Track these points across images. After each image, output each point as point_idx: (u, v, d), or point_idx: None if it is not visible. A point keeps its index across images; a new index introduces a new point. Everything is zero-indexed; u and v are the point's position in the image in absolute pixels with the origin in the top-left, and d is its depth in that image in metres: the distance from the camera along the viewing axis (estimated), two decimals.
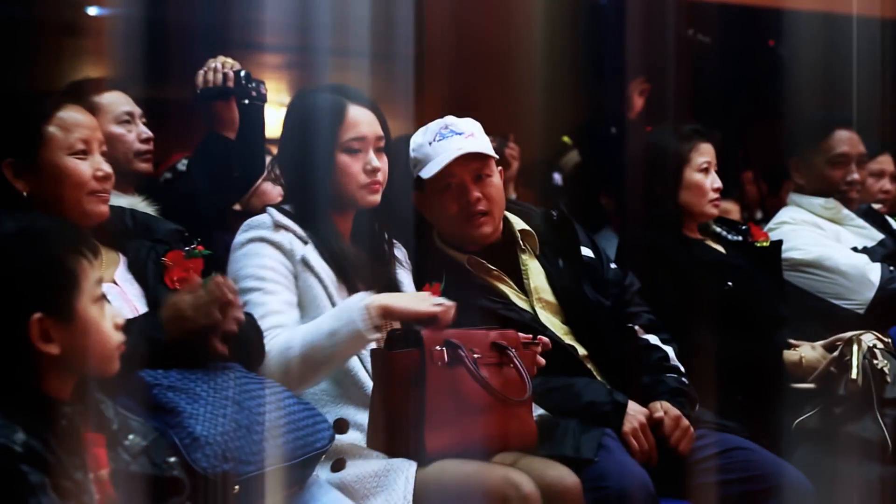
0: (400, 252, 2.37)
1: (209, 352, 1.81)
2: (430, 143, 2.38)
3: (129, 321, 1.69)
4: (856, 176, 3.26)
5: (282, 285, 2.12)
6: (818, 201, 3.27)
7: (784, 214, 3.31)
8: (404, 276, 2.33)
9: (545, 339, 2.17)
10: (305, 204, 2.20)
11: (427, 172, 2.37)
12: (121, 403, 1.62)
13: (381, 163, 2.22)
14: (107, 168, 1.99)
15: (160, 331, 1.79)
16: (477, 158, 2.38)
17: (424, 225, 2.48)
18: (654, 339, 2.51)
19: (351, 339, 2.00)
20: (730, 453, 2.35)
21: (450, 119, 2.43)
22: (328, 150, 2.18)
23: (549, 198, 3.90)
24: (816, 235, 3.18)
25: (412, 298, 2.07)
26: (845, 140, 3.27)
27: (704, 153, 2.91)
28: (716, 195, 2.92)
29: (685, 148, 2.89)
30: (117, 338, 1.54)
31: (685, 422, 2.32)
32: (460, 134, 2.39)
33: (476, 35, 4.60)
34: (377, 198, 2.22)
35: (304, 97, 2.28)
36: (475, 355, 2.00)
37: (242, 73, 2.62)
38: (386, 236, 2.31)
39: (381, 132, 2.24)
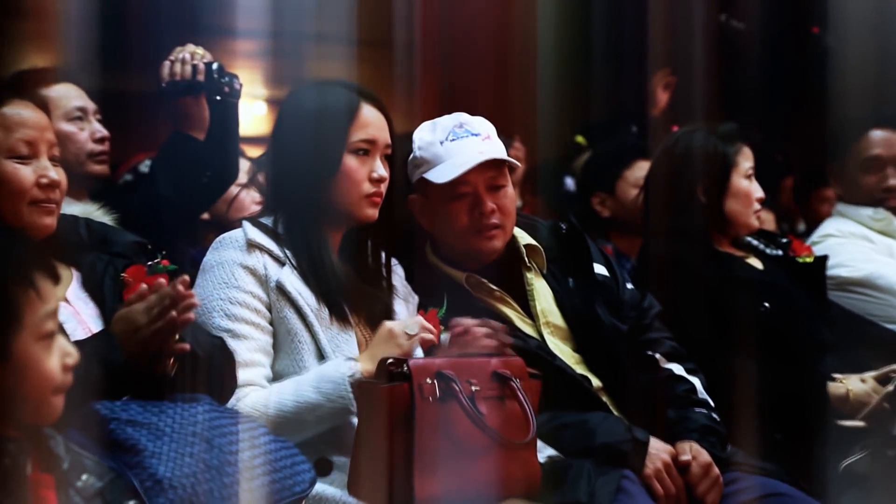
0: (398, 277, 2.37)
1: (169, 360, 1.81)
2: (441, 143, 2.39)
3: (79, 343, 1.69)
4: (893, 182, 3.29)
5: (253, 326, 2.14)
6: (867, 212, 3.30)
7: (829, 226, 3.33)
8: (401, 307, 2.32)
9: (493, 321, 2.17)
10: (294, 214, 2.21)
11: (440, 177, 2.38)
12: (73, 439, 1.62)
13: (386, 172, 2.25)
14: (53, 175, 1.98)
15: (115, 351, 1.79)
16: (493, 166, 2.40)
17: (416, 235, 2.49)
18: (678, 368, 2.53)
19: (336, 414, 2.07)
20: (767, 500, 2.35)
21: (463, 116, 2.43)
22: (336, 149, 2.20)
23: (560, 206, 3.91)
24: (867, 250, 3.21)
25: (396, 341, 2.10)
26: (879, 141, 3.29)
27: (748, 157, 2.95)
28: (759, 206, 2.96)
29: (731, 151, 2.92)
30: (63, 381, 1.50)
31: (715, 470, 2.33)
32: (476, 135, 2.40)
33: (476, 19, 4.62)
34: (376, 213, 2.25)
35: (306, 92, 2.29)
36: (473, 388, 2.00)
37: (214, 66, 2.64)
38: (383, 256, 2.32)
39: (389, 139, 2.27)
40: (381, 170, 2.24)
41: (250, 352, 2.12)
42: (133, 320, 1.79)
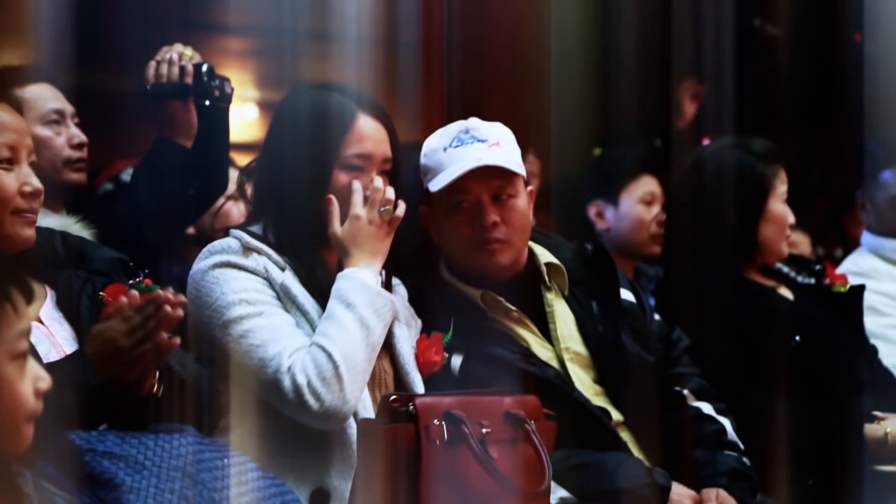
0: (400, 299, 2.38)
1: (153, 381, 1.81)
2: (444, 149, 2.40)
3: (51, 366, 1.71)
4: None
5: (276, 307, 2.14)
6: (892, 244, 3.31)
7: (848, 261, 3.35)
8: (401, 331, 2.33)
9: None
10: (283, 227, 2.23)
11: (435, 185, 2.39)
12: (43, 474, 1.62)
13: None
14: (36, 183, 2.01)
15: (90, 373, 1.79)
16: (499, 174, 2.40)
17: (431, 249, 2.51)
18: (707, 407, 2.54)
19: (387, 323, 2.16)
20: None
21: (473, 122, 2.44)
22: (325, 164, 2.21)
23: (578, 226, 3.91)
24: (873, 295, 3.19)
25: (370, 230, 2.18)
26: None
27: (784, 180, 2.98)
28: (790, 232, 2.99)
29: (770, 172, 2.95)
30: (34, 407, 1.49)
31: None
32: (483, 141, 2.40)
33: (487, 21, 4.63)
34: None
35: (301, 94, 2.30)
36: (484, 430, 1.99)
37: (204, 68, 2.66)
38: (382, 276, 2.32)
39: (389, 152, 2.26)
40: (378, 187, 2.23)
41: (286, 324, 2.13)
42: (112, 339, 1.78)
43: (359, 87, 2.32)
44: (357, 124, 2.23)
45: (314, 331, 2.14)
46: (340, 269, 2.22)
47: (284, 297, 2.17)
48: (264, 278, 2.18)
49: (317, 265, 2.23)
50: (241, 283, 2.15)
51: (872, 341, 3.14)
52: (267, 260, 2.19)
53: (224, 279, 2.15)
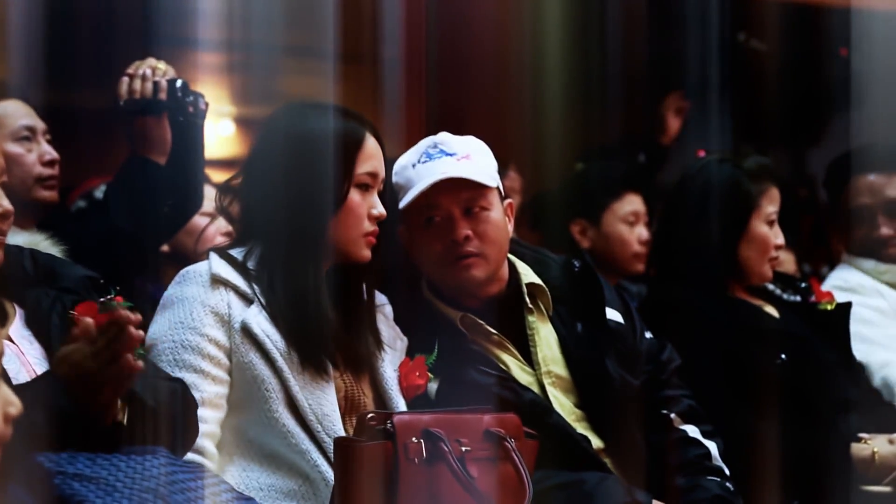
0: (385, 319, 2.39)
1: (116, 406, 1.82)
2: (413, 166, 2.41)
3: (20, 388, 1.71)
4: (884, 231, 3.29)
5: (202, 375, 2.15)
6: (868, 264, 3.31)
7: (834, 276, 3.36)
8: (387, 361, 2.33)
9: None
10: (276, 249, 2.23)
11: (404, 201, 2.40)
12: (13, 496, 1.62)
13: (384, 209, 2.28)
14: (7, 204, 2.01)
15: (61, 395, 1.78)
16: (470, 187, 2.40)
17: (413, 269, 2.50)
18: (693, 430, 2.54)
19: None
20: None
21: (442, 136, 2.45)
22: (343, 183, 2.23)
23: (562, 242, 3.93)
24: (861, 317, 3.17)
25: None
26: (865, 188, 3.30)
27: (774, 200, 2.96)
28: (776, 254, 2.98)
29: (756, 191, 2.94)
30: (2, 432, 1.46)
31: None
32: (451, 155, 2.41)
33: (470, 36, 4.65)
34: (369, 253, 2.28)
35: (298, 114, 2.30)
36: (463, 448, 2.00)
37: (178, 84, 2.67)
38: (366, 296, 2.33)
39: (384, 172, 2.31)
40: (380, 206, 2.28)
41: (215, 398, 2.15)
42: (77, 363, 1.78)
43: (342, 105, 2.34)
44: (367, 143, 2.27)
45: (273, 370, 2.16)
46: (342, 287, 2.25)
47: (242, 338, 2.18)
48: (224, 317, 2.18)
49: (321, 290, 2.22)
50: (185, 334, 2.17)
51: (873, 350, 3.14)
52: (233, 294, 2.20)
53: (177, 319, 2.18)
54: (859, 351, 3.10)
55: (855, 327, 3.08)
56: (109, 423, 1.86)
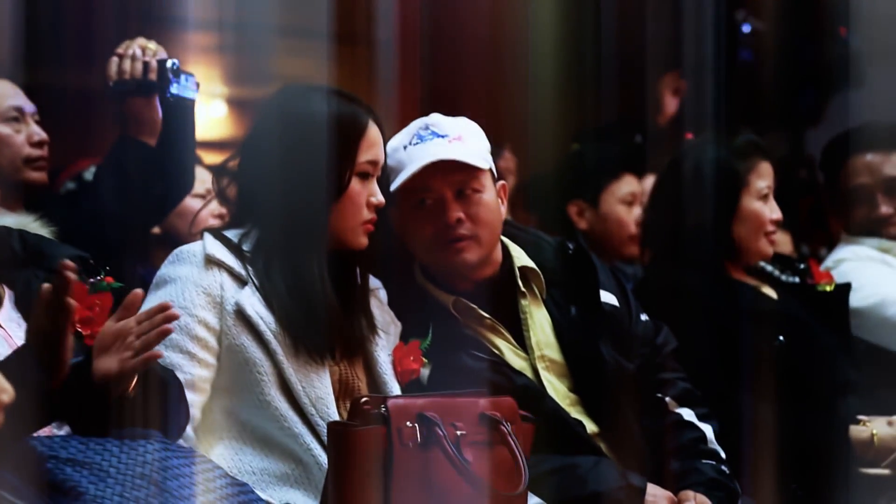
0: (379, 303, 2.39)
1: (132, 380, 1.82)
2: (404, 148, 2.40)
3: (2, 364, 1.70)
4: (883, 210, 3.30)
5: (188, 356, 2.15)
6: (872, 242, 3.31)
7: (844, 250, 3.37)
8: (381, 345, 2.33)
9: None
10: (273, 234, 2.22)
11: (395, 184, 2.39)
12: (2, 482, 1.63)
13: (382, 197, 2.28)
14: None
15: (38, 370, 1.75)
16: (462, 169, 2.39)
17: (406, 253, 2.49)
18: (688, 413, 2.54)
19: None
20: None
21: (434, 118, 2.44)
22: (345, 170, 2.23)
23: (558, 223, 3.92)
24: (882, 274, 3.22)
25: None
26: (863, 168, 3.31)
27: (765, 175, 2.97)
28: (773, 228, 2.99)
29: (744, 168, 2.95)
30: None
31: None
32: (443, 136, 2.40)
33: (464, 17, 4.64)
34: (366, 240, 2.27)
35: (300, 96, 2.29)
36: (458, 432, 2.00)
37: (169, 64, 2.66)
38: (359, 281, 2.32)
39: (383, 158, 2.31)
40: (379, 194, 2.27)
41: (200, 382, 2.15)
42: (121, 334, 1.80)
43: (343, 89, 2.33)
44: (370, 130, 2.27)
45: (267, 352, 2.16)
46: (337, 272, 2.24)
47: (235, 320, 2.17)
48: (216, 298, 2.18)
49: (322, 275, 2.21)
50: (193, 309, 2.16)
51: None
52: (226, 275, 2.20)
53: (168, 298, 2.15)
54: (872, 296, 3.14)
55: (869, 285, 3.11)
56: (118, 398, 1.84)
